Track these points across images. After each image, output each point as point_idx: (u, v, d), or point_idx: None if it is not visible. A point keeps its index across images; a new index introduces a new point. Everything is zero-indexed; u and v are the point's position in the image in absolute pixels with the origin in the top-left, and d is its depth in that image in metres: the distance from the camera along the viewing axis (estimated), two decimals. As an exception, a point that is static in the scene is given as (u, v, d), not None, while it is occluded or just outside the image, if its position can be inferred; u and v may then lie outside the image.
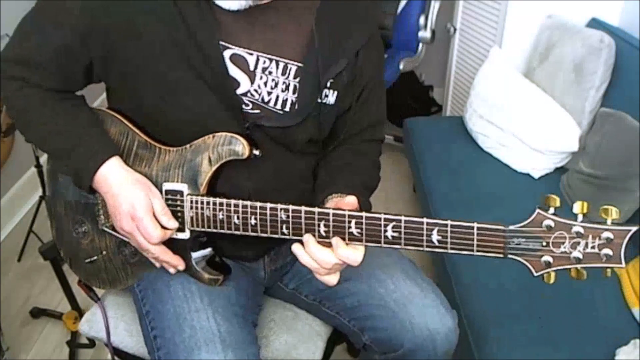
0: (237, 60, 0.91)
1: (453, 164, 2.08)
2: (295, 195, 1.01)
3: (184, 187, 0.93)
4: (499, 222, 0.75)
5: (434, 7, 2.69)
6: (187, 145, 0.93)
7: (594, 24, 2.05)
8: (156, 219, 0.91)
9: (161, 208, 0.92)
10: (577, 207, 0.71)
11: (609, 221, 0.71)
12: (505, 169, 2.00)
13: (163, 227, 0.91)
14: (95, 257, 1.05)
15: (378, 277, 1.03)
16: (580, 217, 0.72)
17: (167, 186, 0.94)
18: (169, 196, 0.94)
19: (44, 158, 2.11)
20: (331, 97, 0.97)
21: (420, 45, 2.75)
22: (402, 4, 2.69)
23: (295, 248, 0.86)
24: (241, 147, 0.90)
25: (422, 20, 2.70)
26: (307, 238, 0.85)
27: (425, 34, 2.71)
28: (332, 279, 0.88)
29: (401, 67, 2.66)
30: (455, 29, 2.67)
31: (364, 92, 1.01)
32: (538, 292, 1.37)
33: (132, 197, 0.90)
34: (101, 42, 0.90)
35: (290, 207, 0.85)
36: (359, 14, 0.98)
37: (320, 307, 1.12)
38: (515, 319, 1.32)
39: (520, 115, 1.95)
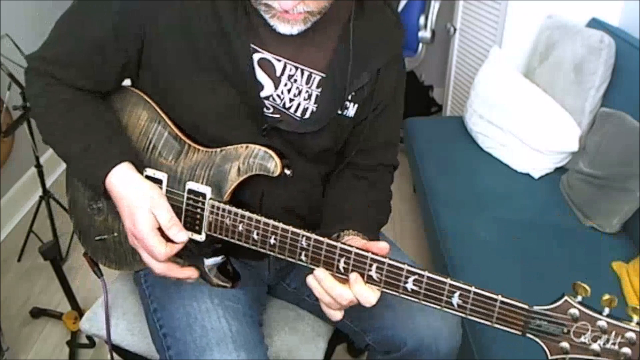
0: (264, 65, 0.92)
1: (453, 164, 2.08)
2: (304, 200, 1.01)
3: (207, 190, 0.91)
4: (523, 301, 0.74)
5: (434, 7, 2.69)
6: (218, 149, 0.92)
7: (594, 24, 2.05)
8: (163, 234, 0.87)
9: (168, 220, 0.87)
10: (605, 301, 0.71)
11: (635, 320, 0.70)
12: (505, 169, 2.00)
13: (171, 241, 0.88)
14: (105, 236, 1.03)
15: None
16: (606, 310, 0.71)
17: (190, 185, 0.93)
18: (191, 196, 0.92)
19: (44, 158, 2.11)
20: (351, 109, 0.98)
21: (420, 45, 2.75)
22: (402, 4, 2.69)
23: (311, 280, 0.84)
24: (273, 165, 0.89)
25: (422, 20, 2.70)
26: (322, 275, 0.82)
27: (425, 34, 2.71)
28: (338, 315, 0.85)
29: (401, 67, 2.66)
30: (455, 29, 2.67)
31: (379, 106, 1.02)
32: (538, 292, 1.37)
33: (132, 214, 0.86)
34: (134, 36, 0.89)
35: (313, 235, 0.82)
36: (385, 34, 0.99)
37: (322, 308, 1.12)
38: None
39: (520, 115, 1.95)
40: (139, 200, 0.87)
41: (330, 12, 0.89)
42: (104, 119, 0.95)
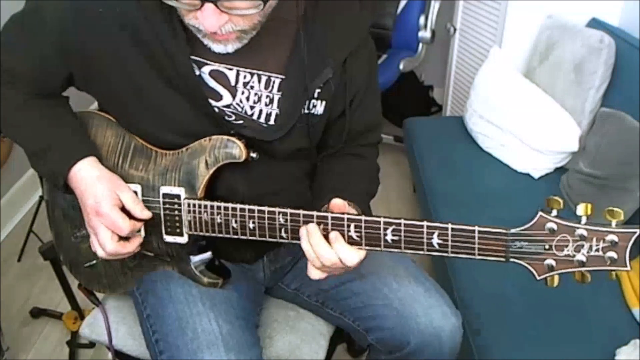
0: (217, 76, 0.91)
1: (453, 164, 2.08)
2: (290, 198, 1.00)
3: (181, 191, 0.92)
4: (500, 226, 0.74)
5: (434, 7, 2.69)
6: (184, 149, 0.93)
7: (594, 24, 2.05)
8: (128, 213, 0.90)
9: (132, 200, 0.91)
10: (581, 209, 0.69)
11: (613, 223, 0.69)
12: (505, 169, 2.00)
13: (136, 219, 0.91)
14: (94, 262, 1.05)
15: (381, 277, 1.03)
16: (583, 219, 0.70)
17: (164, 190, 0.93)
18: (167, 199, 0.93)
19: (44, 158, 2.10)
20: (319, 107, 0.96)
21: (420, 45, 2.75)
22: (402, 4, 2.69)
23: (303, 231, 0.83)
24: (238, 150, 0.90)
25: (422, 20, 2.70)
26: (312, 228, 0.82)
27: (425, 34, 2.71)
28: (317, 274, 0.86)
29: (401, 67, 2.66)
30: (455, 29, 2.67)
31: (355, 98, 1.00)
32: (538, 292, 1.37)
33: (96, 192, 0.89)
34: (78, 57, 0.90)
35: (289, 210, 0.84)
36: (345, 23, 0.96)
37: (323, 308, 1.12)
38: (515, 319, 1.32)
39: (520, 115, 1.95)
40: (102, 180, 0.90)
41: (280, 13, 0.87)
42: (63, 117, 0.97)
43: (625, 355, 1.19)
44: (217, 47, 0.84)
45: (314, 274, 0.87)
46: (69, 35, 0.88)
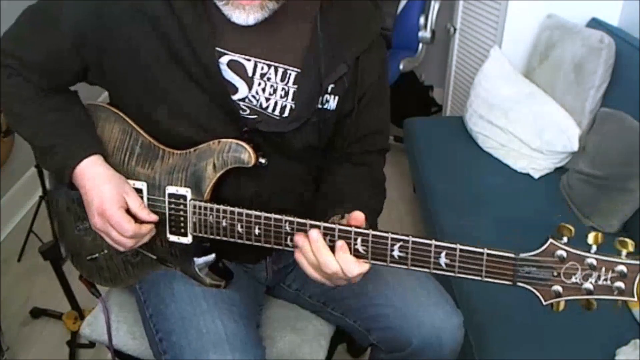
0: (235, 67, 0.91)
1: (453, 164, 2.08)
2: (295, 199, 1.00)
3: (187, 192, 0.92)
4: (509, 250, 0.74)
5: (434, 7, 2.69)
6: (192, 149, 0.93)
7: (594, 24, 2.05)
8: (132, 215, 0.90)
9: (138, 204, 0.91)
10: (592, 238, 0.69)
11: (623, 253, 0.69)
12: (505, 169, 2.00)
13: (142, 222, 0.91)
14: (96, 255, 1.05)
15: (383, 277, 1.03)
16: (593, 248, 0.70)
17: (170, 190, 0.93)
18: (172, 200, 0.93)
19: (44, 158, 2.10)
20: (332, 102, 0.96)
21: (420, 45, 2.75)
22: (402, 4, 2.69)
23: (301, 240, 0.82)
24: (247, 156, 0.89)
25: (422, 20, 2.70)
26: (316, 235, 0.80)
27: (425, 34, 2.71)
28: (316, 275, 0.85)
29: (401, 67, 2.66)
30: (455, 29, 2.67)
31: (364, 96, 1.00)
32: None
33: (102, 193, 0.89)
34: (95, 50, 0.90)
35: (296, 219, 0.83)
36: (360, 20, 0.97)
37: (325, 308, 1.12)
38: (515, 319, 1.32)
39: (520, 115, 1.95)
40: (108, 181, 0.90)
41: (298, 6, 0.87)
42: (72, 112, 0.97)
43: (625, 355, 1.19)
44: (239, 16, 0.84)
45: (314, 274, 0.85)
46: (86, 29, 0.88)
